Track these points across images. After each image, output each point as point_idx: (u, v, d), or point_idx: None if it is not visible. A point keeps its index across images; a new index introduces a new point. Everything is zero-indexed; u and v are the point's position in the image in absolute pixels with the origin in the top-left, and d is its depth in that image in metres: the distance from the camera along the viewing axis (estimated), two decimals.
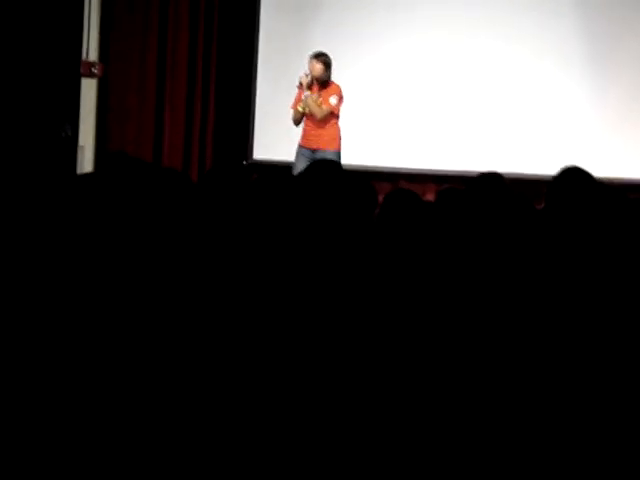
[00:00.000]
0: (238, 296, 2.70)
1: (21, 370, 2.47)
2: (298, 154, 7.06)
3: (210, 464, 2.38)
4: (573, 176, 3.48)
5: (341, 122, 7.29)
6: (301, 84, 6.97)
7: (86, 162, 7.98)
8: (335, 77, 7.18)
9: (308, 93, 6.95)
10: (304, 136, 7.06)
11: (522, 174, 7.74)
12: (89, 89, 8.05)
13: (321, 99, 6.97)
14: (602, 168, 7.48)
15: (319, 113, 6.96)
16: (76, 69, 7.87)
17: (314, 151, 6.99)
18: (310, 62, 6.98)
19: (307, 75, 6.95)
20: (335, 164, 3.65)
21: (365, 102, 7.93)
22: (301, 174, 3.75)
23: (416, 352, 2.59)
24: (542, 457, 2.42)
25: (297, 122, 7.07)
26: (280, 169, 7.30)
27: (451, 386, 2.50)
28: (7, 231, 3.03)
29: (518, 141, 7.98)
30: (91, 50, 8.01)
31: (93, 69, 7.96)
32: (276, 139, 8.09)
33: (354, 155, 7.68)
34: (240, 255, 2.90)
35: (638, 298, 2.77)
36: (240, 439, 2.40)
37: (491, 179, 3.82)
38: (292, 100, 7.11)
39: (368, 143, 7.90)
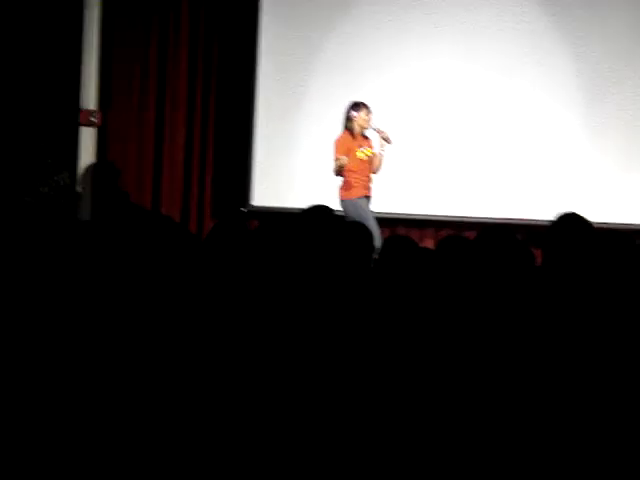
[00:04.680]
0: (241, 328, 2.72)
1: (23, 371, 2.48)
2: (360, 205, 6.95)
3: (210, 464, 2.37)
4: (570, 222, 3.48)
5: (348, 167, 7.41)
6: (386, 139, 7.01)
7: (84, 210, 7.98)
8: (340, 122, 7.25)
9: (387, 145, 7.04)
10: (361, 186, 6.99)
11: (521, 219, 7.74)
12: (88, 137, 8.07)
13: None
14: (604, 214, 7.59)
15: (380, 169, 7.09)
16: (74, 118, 7.91)
17: (368, 198, 7.04)
18: (369, 113, 7.03)
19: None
20: (330, 210, 3.65)
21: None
22: (300, 220, 3.75)
23: (410, 391, 2.59)
24: (542, 457, 2.41)
25: (341, 173, 6.99)
26: (280, 216, 7.31)
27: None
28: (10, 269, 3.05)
29: (517, 187, 7.98)
30: (90, 99, 8.05)
31: (92, 118, 8.00)
32: (275, 185, 8.10)
33: None
34: (242, 294, 2.92)
35: (636, 340, 2.77)
36: (240, 439, 2.39)
37: (499, 230, 3.81)
38: (332, 149, 7.03)
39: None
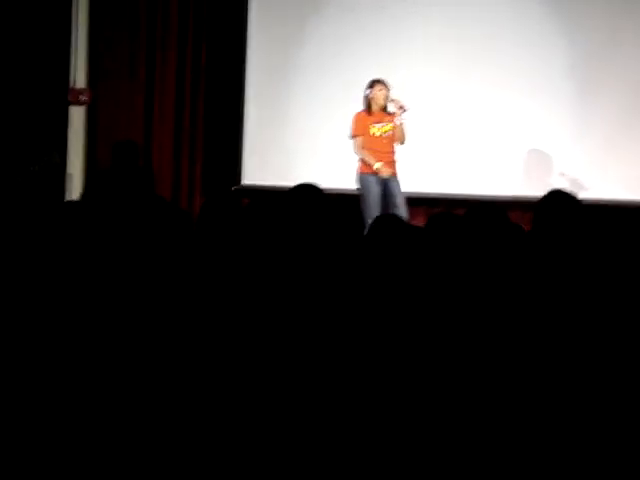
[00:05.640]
0: (238, 307, 2.73)
1: (22, 371, 2.48)
2: (371, 182, 6.98)
3: (210, 464, 2.38)
4: (559, 198, 3.50)
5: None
6: (401, 107, 7.00)
7: (74, 190, 7.97)
8: (329, 101, 7.31)
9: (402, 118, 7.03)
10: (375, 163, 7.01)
11: (511, 196, 7.77)
12: (78, 116, 8.05)
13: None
14: (591, 190, 7.64)
15: (405, 139, 7.09)
16: (64, 97, 7.89)
17: (388, 177, 7.02)
18: (384, 88, 7.05)
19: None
20: (317, 189, 3.64)
21: None
22: (286, 198, 3.75)
23: (400, 363, 2.60)
24: (542, 457, 2.43)
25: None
26: (270, 194, 7.31)
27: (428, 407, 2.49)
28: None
29: (507, 165, 7.99)
30: (79, 77, 8.02)
31: (81, 96, 7.98)
32: (265, 164, 8.10)
33: (345, 179, 7.69)
34: (237, 270, 2.93)
35: (621, 312, 2.80)
36: (240, 439, 2.40)
37: (488, 207, 3.83)
38: (347, 128, 7.12)
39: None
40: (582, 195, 3.74)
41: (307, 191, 3.59)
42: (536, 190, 7.19)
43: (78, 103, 7.98)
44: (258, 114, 8.14)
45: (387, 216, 3.65)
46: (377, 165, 6.99)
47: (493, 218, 3.60)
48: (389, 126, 7.06)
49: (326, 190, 3.82)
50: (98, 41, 8.08)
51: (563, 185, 3.72)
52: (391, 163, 7.09)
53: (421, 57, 7.96)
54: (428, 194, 7.99)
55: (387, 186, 7.05)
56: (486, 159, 7.97)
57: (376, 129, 7.06)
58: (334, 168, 7.80)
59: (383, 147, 7.06)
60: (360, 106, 7.18)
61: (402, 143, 7.12)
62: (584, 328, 2.76)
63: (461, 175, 7.99)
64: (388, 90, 7.07)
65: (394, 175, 7.07)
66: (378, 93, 7.07)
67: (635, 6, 7.76)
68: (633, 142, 7.75)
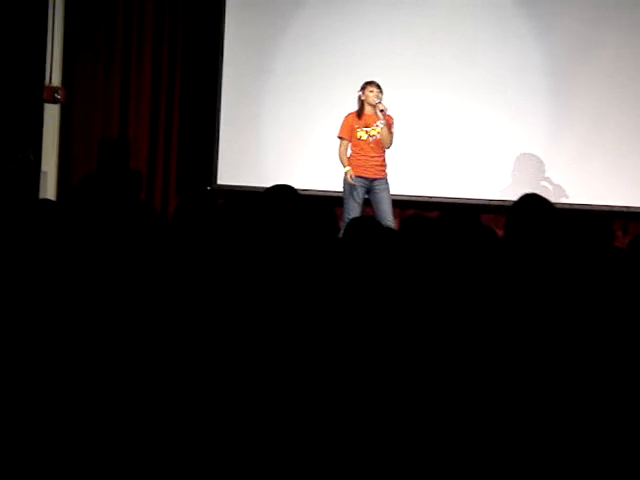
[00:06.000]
0: (220, 308, 2.74)
1: (22, 372, 2.48)
2: (351, 186, 6.97)
3: (210, 464, 2.38)
4: (531, 202, 3.53)
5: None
6: (382, 111, 6.98)
7: (49, 188, 7.94)
8: (305, 102, 7.33)
9: (384, 121, 7.00)
10: (357, 166, 7.01)
11: (485, 199, 7.82)
12: (52, 115, 8.02)
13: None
14: (564, 195, 7.72)
15: (391, 142, 7.06)
16: (39, 94, 7.85)
17: (372, 180, 7.03)
18: (376, 90, 7.02)
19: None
20: (293, 190, 3.65)
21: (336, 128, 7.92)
22: (262, 199, 3.76)
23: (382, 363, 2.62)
24: (542, 457, 2.44)
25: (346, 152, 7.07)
26: (244, 195, 7.32)
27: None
28: None
29: (482, 168, 8.03)
30: (54, 75, 7.99)
31: (56, 94, 7.95)
32: (240, 164, 8.11)
33: (320, 180, 7.72)
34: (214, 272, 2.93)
35: (590, 312, 2.84)
36: (240, 439, 2.40)
37: (462, 210, 3.86)
38: (335, 129, 7.15)
39: (332, 169, 7.90)
40: (554, 200, 3.78)
41: (282, 192, 3.60)
42: (508, 195, 7.32)
43: (53, 101, 7.95)
44: (233, 114, 8.13)
45: (362, 218, 3.67)
46: (345, 169, 7.00)
47: (465, 221, 3.63)
48: (377, 130, 7.05)
49: (301, 191, 3.85)
50: (74, 39, 8.06)
51: (536, 190, 3.76)
52: (377, 167, 7.07)
53: (396, 64, 7.98)
54: (401, 196, 8.03)
55: (372, 191, 7.06)
56: (460, 163, 8.01)
57: (363, 132, 7.05)
58: (310, 169, 7.83)
59: (370, 151, 7.05)
60: (337, 108, 7.22)
61: (387, 147, 7.10)
62: (555, 331, 2.79)
63: (434, 178, 8.03)
64: (380, 92, 7.04)
65: (381, 179, 7.07)
66: (369, 95, 7.06)
67: (610, 21, 7.83)
68: (602, 154, 7.84)
